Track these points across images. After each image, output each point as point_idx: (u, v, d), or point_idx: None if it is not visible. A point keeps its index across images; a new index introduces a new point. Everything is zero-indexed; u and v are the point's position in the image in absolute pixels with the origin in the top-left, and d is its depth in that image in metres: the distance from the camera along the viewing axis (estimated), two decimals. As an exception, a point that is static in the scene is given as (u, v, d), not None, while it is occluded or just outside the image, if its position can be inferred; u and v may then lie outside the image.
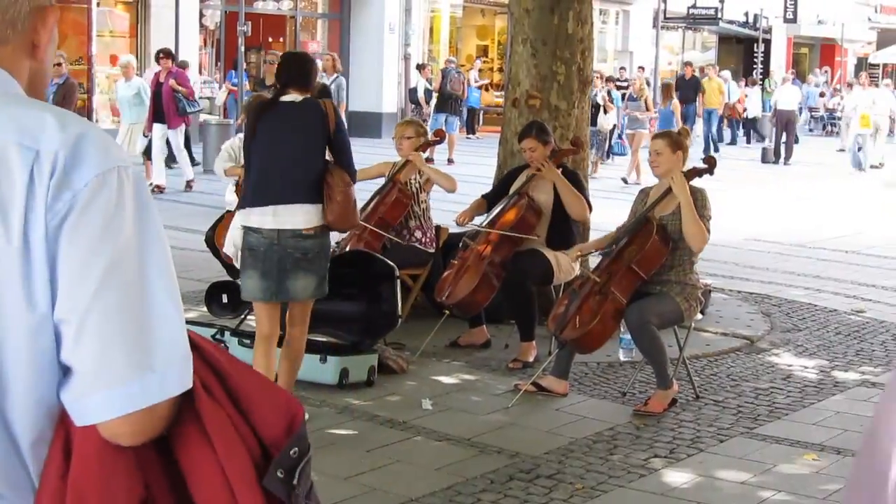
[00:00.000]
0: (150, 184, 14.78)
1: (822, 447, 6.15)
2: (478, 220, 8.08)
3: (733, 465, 5.87)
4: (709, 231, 6.71)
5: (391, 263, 7.45)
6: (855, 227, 15.53)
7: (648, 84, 21.26)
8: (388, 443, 6.04)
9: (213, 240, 8.87)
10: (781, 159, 25.47)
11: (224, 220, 8.96)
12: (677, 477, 5.68)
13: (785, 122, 25.61)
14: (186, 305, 8.85)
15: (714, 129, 27.49)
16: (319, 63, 16.15)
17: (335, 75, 17.86)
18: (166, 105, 15.73)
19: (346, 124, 6.07)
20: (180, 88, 15.80)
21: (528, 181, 7.82)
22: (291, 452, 1.71)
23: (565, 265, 7.69)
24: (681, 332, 7.16)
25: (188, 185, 16.59)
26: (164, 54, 16.24)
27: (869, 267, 12.11)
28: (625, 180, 19.27)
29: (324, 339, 7.29)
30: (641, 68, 28.34)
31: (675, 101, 20.90)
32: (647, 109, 20.32)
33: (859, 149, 23.69)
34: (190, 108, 16.08)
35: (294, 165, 6.03)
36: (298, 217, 6.00)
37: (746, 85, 31.15)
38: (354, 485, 5.43)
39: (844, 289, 10.80)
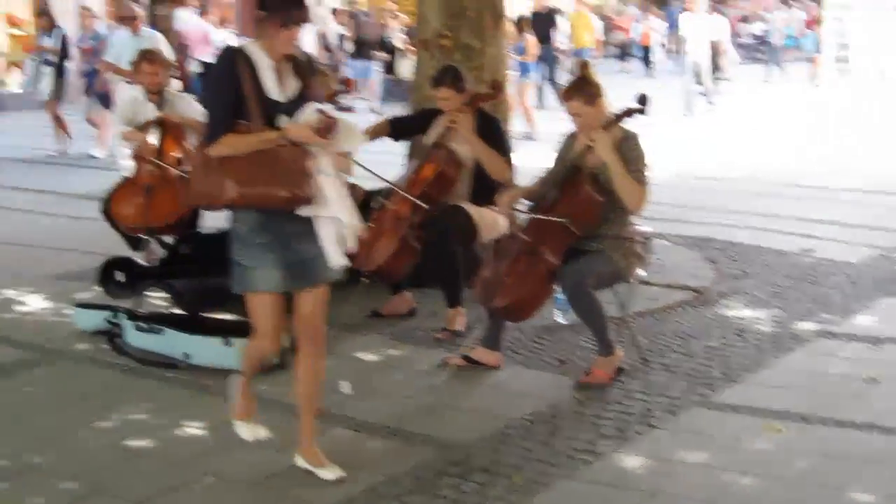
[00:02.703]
0: None
1: (787, 415, 5.49)
2: (389, 175, 7.30)
3: (690, 443, 5.19)
4: (645, 184, 5.97)
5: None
6: (789, 157, 14.99)
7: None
8: (301, 437, 5.31)
9: (109, 210, 8.06)
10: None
11: (120, 188, 8.13)
12: (628, 461, 5.00)
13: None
14: (80, 283, 8.09)
15: None
16: None
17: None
18: None
19: None
20: None
21: (446, 130, 7.07)
22: None
23: (490, 221, 6.97)
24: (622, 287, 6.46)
25: None
26: None
27: (811, 199, 11.50)
28: None
29: (231, 318, 6.55)
30: None
31: (529, 37, 19.17)
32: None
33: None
34: None
35: None
36: None
37: None
38: (265, 489, 4.75)
39: (789, 226, 10.17)
